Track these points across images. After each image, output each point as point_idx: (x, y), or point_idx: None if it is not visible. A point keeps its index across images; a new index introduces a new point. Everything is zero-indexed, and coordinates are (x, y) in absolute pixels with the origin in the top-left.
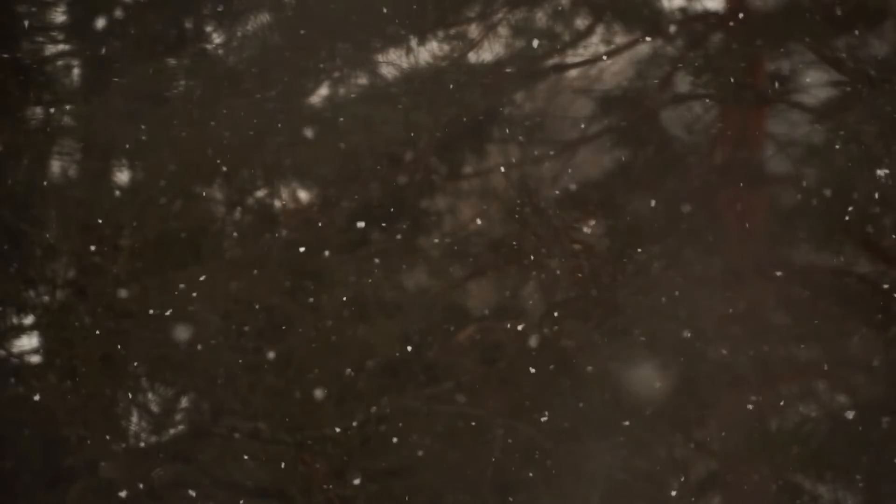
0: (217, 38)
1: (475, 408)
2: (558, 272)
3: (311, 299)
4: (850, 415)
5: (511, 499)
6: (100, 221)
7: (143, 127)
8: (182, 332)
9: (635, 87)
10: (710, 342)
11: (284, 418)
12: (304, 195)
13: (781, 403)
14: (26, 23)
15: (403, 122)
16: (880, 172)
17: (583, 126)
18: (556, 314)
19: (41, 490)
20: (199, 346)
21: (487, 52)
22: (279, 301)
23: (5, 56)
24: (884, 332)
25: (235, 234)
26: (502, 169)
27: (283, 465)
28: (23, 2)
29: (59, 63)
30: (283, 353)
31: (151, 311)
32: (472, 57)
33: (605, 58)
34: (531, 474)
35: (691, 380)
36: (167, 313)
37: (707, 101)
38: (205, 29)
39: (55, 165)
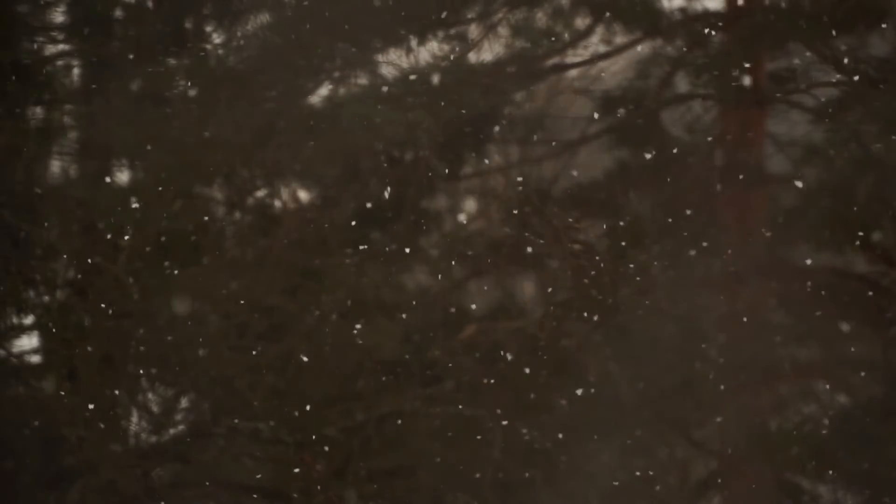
0: (217, 38)
1: (475, 408)
2: (558, 272)
3: (311, 299)
4: (850, 415)
5: (511, 499)
6: (100, 222)
7: (143, 127)
8: (182, 332)
9: (635, 87)
10: (710, 342)
11: (284, 418)
12: (304, 195)
13: (782, 404)
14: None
15: (403, 122)
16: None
17: (583, 126)
18: (555, 314)
19: (41, 490)
20: (199, 346)
21: (487, 52)
22: (279, 301)
23: (5, 56)
24: (884, 332)
25: (235, 234)
26: (502, 170)
27: (283, 465)
28: (23, 2)
29: (59, 63)
30: (283, 353)
31: (151, 311)
32: (472, 57)
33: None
34: (531, 474)
35: (691, 380)
36: (167, 313)
37: (707, 101)
38: (205, 29)
39: (55, 165)
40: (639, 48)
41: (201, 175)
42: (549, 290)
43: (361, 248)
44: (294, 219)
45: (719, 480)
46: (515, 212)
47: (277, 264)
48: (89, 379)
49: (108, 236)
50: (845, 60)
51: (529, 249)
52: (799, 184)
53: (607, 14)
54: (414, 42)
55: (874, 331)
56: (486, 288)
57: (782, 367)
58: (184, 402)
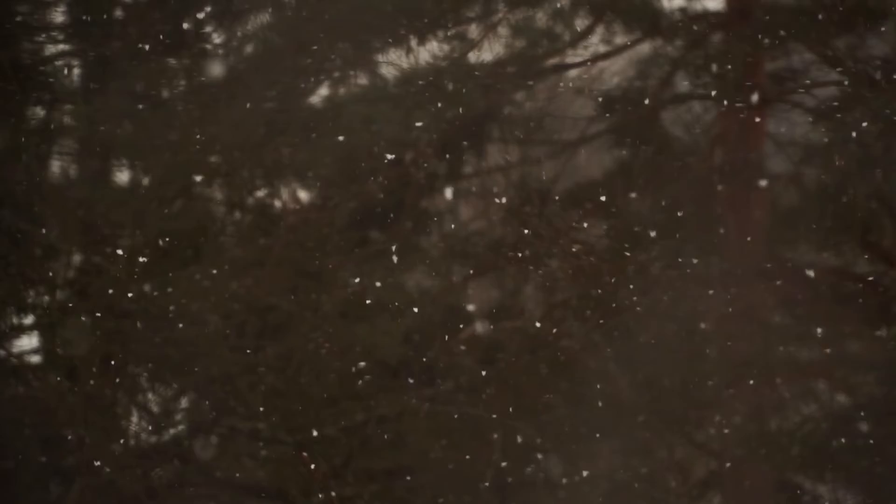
0: (217, 38)
1: (475, 408)
2: (558, 272)
3: (311, 299)
4: (850, 415)
5: (511, 499)
6: (100, 221)
7: (143, 127)
8: (182, 332)
9: (635, 87)
10: (710, 342)
11: (284, 418)
12: (304, 195)
13: (782, 404)
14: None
15: (403, 122)
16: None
17: (583, 126)
18: (555, 314)
19: (41, 490)
20: (199, 346)
21: (487, 52)
22: (279, 301)
23: (5, 56)
24: (884, 332)
25: (235, 234)
26: (502, 169)
27: (283, 465)
28: (23, 2)
29: (59, 63)
30: (283, 353)
31: (151, 311)
32: (472, 57)
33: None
34: (531, 474)
35: (691, 380)
36: (167, 313)
37: (707, 101)
38: (205, 29)
39: (55, 165)
40: (639, 48)
41: (201, 175)
42: (549, 289)
43: (361, 248)
44: (294, 219)
45: (719, 480)
46: (516, 211)
47: (277, 264)
48: (89, 379)
49: (108, 236)
50: (845, 60)
51: (529, 250)
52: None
53: (607, 14)
54: (414, 42)
55: (874, 331)
56: (486, 288)
57: (782, 367)
58: (184, 402)
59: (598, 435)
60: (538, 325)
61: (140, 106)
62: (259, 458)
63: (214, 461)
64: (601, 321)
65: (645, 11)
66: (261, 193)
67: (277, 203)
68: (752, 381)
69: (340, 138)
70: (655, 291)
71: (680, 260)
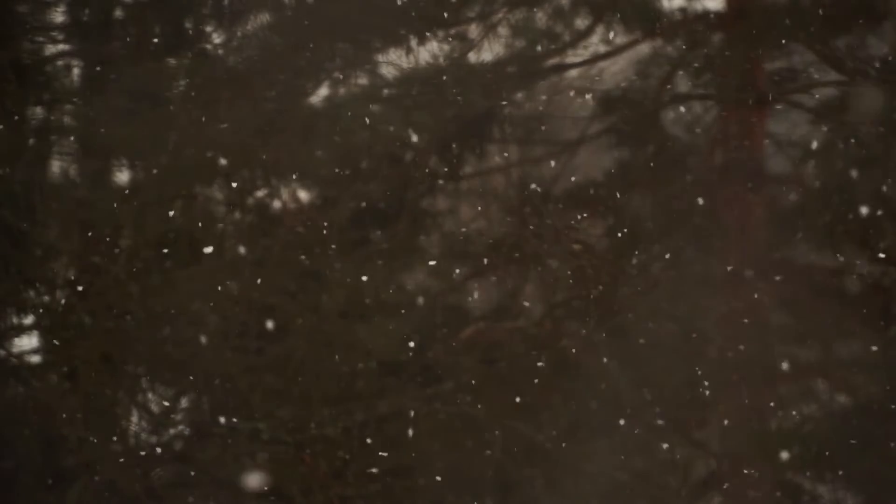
0: (217, 38)
1: (475, 408)
2: (558, 272)
3: (311, 299)
4: (850, 415)
5: (511, 499)
6: (100, 221)
7: (142, 127)
8: (182, 332)
9: (635, 87)
10: (710, 342)
11: (284, 418)
12: (304, 195)
13: (782, 404)
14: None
15: (403, 122)
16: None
17: (583, 126)
18: (555, 314)
19: (41, 490)
20: (199, 346)
21: (487, 52)
22: (279, 301)
23: (5, 56)
24: (884, 332)
25: (235, 234)
26: (502, 169)
27: (283, 465)
28: (23, 2)
29: (59, 63)
30: (283, 353)
31: (151, 311)
32: (472, 57)
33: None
34: (531, 474)
35: (691, 380)
36: (167, 313)
37: (707, 101)
38: (205, 29)
39: (55, 165)
40: (639, 48)
41: (201, 175)
42: (549, 289)
43: (361, 248)
44: (294, 219)
45: (719, 480)
46: (516, 211)
47: (277, 264)
48: (89, 379)
49: (108, 236)
50: (845, 60)
51: (529, 250)
52: None
53: (607, 14)
54: (414, 42)
55: (874, 331)
56: (486, 288)
57: (782, 367)
58: (184, 402)
59: (597, 434)
60: (538, 325)
61: (140, 106)
62: (259, 458)
63: (214, 461)
64: (601, 321)
65: (645, 11)
66: (261, 193)
67: (277, 203)
68: (752, 381)
69: (340, 139)
70: (655, 291)
71: (680, 260)
